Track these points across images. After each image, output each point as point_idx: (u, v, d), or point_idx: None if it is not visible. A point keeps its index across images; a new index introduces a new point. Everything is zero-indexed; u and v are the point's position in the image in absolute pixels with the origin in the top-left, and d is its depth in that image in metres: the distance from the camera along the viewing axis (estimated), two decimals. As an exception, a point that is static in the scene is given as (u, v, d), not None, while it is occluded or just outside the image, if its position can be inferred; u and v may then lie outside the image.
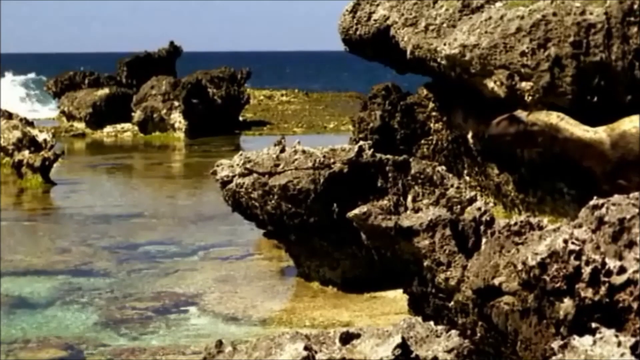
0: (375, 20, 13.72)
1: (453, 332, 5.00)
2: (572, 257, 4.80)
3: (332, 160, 9.63)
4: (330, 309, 9.45)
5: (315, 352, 4.70)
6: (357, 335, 4.83)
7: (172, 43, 34.86)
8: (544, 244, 5.00)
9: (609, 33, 10.80)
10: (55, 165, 18.96)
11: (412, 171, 9.45)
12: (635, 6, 10.80)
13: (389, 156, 9.66)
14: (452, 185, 9.39)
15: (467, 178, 13.15)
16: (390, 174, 9.42)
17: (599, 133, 10.06)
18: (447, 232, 6.51)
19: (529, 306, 5.15)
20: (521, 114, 10.51)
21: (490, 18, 11.70)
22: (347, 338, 4.80)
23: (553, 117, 10.29)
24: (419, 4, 13.02)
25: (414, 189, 9.31)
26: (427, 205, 8.74)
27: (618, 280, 4.64)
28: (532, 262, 4.96)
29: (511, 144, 10.73)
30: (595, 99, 10.87)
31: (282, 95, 40.64)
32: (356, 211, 7.41)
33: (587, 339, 4.29)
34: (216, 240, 12.99)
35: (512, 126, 10.50)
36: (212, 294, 10.15)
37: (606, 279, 4.67)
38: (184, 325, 9.06)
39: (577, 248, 4.82)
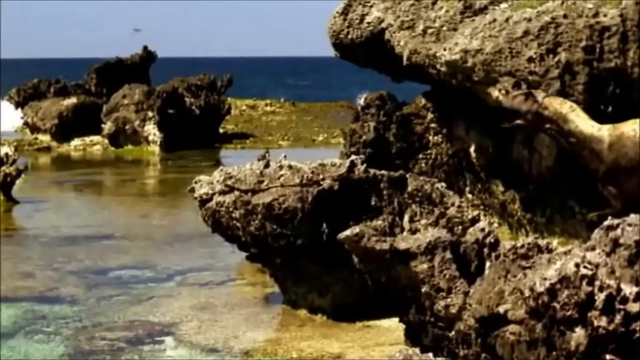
0: (368, 23, 13.75)
1: (454, 364, 5.01)
2: (584, 283, 4.81)
3: (321, 177, 9.64)
4: (320, 340, 9.45)
5: (303, 387, 4.71)
6: (349, 369, 4.83)
7: (145, 48, 34.84)
8: (553, 269, 5.01)
9: (624, 37, 10.83)
10: (17, 181, 18.93)
11: (409, 188, 9.47)
12: (653, 8, 10.83)
13: (383, 172, 9.67)
14: (452, 204, 9.41)
15: (470, 196, 13.17)
16: (385, 192, 9.43)
17: (602, 131, 10.11)
18: (448, 255, 6.52)
19: (537, 336, 5.16)
20: (539, 93, 10.59)
21: (494, 21, 11.73)
22: (338, 372, 4.81)
23: (565, 107, 10.32)
24: (416, 5, 13.04)
25: (411, 208, 9.32)
26: (425, 226, 8.75)
27: (635, 307, 4.65)
28: (540, 288, 4.97)
29: (521, 123, 10.76)
30: (610, 108, 10.90)
31: (266, 105, 40.72)
32: (348, 232, 7.41)
33: (601, 372, 4.30)
34: (194, 264, 12.98)
35: (526, 103, 10.55)
36: (190, 323, 10.14)
37: (622, 307, 4.68)
38: (158, 357, 9.06)
39: (590, 273, 4.82)
